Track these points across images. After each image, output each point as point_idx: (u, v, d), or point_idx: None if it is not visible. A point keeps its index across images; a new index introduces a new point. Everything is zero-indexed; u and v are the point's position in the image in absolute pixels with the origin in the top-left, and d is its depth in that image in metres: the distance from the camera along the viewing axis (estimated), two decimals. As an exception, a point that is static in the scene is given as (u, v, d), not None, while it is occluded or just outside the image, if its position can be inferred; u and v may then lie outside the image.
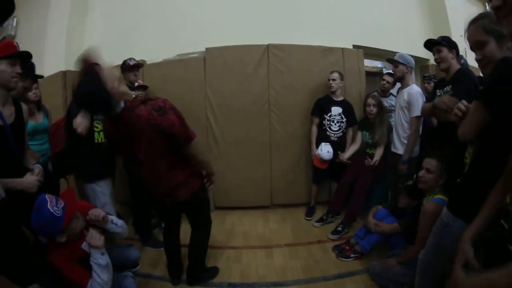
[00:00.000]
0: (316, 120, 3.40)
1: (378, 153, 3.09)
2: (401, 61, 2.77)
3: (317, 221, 3.36)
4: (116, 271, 2.04)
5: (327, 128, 3.35)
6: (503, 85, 1.12)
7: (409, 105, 2.73)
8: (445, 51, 2.20)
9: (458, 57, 2.26)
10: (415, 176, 2.82)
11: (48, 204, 1.59)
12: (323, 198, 3.74)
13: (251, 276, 2.51)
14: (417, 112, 2.66)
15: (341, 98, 3.38)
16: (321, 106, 3.36)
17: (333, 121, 3.33)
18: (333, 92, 3.33)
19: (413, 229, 2.33)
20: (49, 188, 1.88)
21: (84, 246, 1.80)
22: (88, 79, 1.72)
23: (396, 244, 2.51)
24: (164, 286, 2.40)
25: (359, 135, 3.34)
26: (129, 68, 2.79)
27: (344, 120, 3.34)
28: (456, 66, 2.22)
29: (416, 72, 4.20)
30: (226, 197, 3.64)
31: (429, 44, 2.30)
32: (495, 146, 1.22)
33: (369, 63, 4.47)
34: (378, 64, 4.76)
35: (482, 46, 1.29)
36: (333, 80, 3.27)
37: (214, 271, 2.56)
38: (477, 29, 1.29)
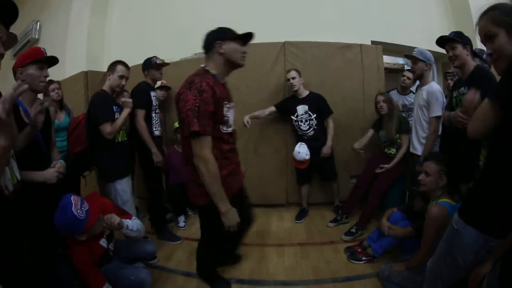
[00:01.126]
0: (272, 109, 3.35)
1: (397, 157, 2.98)
2: (420, 57, 2.61)
3: (331, 221, 3.30)
4: (133, 263, 2.18)
5: (297, 128, 3.30)
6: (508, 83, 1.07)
7: (428, 104, 2.59)
8: (459, 48, 2.08)
9: (472, 52, 2.13)
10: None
11: (73, 207, 1.64)
12: (325, 199, 3.72)
13: (260, 274, 2.52)
14: (437, 111, 2.52)
15: (305, 94, 3.28)
16: (286, 108, 3.31)
17: (301, 121, 3.26)
18: (296, 91, 3.24)
19: None
20: (69, 185, 1.98)
21: (103, 242, 1.90)
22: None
23: (409, 249, 2.42)
24: (176, 278, 2.46)
25: (330, 123, 3.27)
26: (156, 66, 2.88)
27: (313, 116, 3.23)
28: (471, 63, 2.09)
29: (438, 69, 3.99)
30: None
31: (442, 41, 2.17)
32: (507, 149, 1.15)
33: (391, 60, 4.30)
34: (400, 60, 4.56)
35: (492, 39, 1.22)
36: (293, 78, 3.17)
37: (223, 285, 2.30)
38: (487, 21, 1.23)
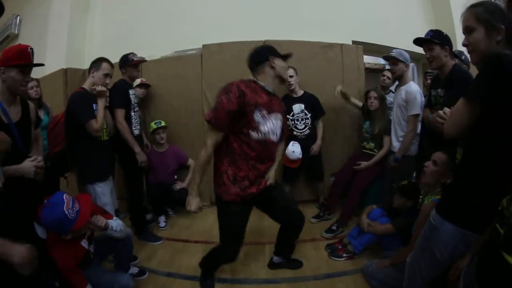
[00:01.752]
0: None
1: (377, 156, 3.02)
2: (400, 58, 2.65)
3: (313, 217, 3.33)
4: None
5: (293, 128, 3.27)
6: (490, 83, 1.11)
7: (406, 103, 2.64)
8: (437, 49, 2.07)
9: (452, 53, 2.14)
10: (414, 174, 2.79)
11: (65, 205, 1.62)
12: (307, 197, 3.74)
13: (242, 273, 2.51)
14: (415, 110, 2.58)
15: (301, 93, 3.28)
16: None
17: (297, 120, 3.25)
18: (292, 90, 3.25)
19: (407, 230, 2.30)
20: (49, 186, 1.96)
21: (84, 243, 1.86)
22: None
23: (389, 246, 2.46)
24: (158, 279, 2.43)
25: (320, 123, 3.31)
26: (133, 64, 2.79)
27: (309, 115, 3.24)
28: (450, 63, 2.10)
29: (419, 69, 4.08)
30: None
31: (419, 42, 2.17)
32: (483, 146, 1.19)
33: (372, 60, 4.37)
34: (381, 61, 4.62)
35: (470, 32, 1.28)
36: (290, 77, 3.13)
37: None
38: (470, 14, 1.27)
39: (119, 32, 3.87)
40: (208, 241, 2.95)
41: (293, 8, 3.68)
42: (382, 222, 2.48)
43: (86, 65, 3.85)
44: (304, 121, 3.25)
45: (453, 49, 2.30)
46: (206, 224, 3.31)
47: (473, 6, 1.29)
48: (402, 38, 3.68)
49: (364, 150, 3.16)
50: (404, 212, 2.42)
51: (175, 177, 3.46)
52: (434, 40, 2.06)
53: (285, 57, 1.97)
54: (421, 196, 2.30)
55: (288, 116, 3.23)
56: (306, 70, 3.47)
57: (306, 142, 3.25)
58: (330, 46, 3.49)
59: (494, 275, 1.06)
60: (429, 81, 3.14)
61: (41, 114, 2.84)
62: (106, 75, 2.40)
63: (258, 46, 2.02)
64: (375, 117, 3.04)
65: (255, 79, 1.92)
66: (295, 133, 3.29)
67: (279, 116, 1.95)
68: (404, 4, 4.01)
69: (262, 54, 1.93)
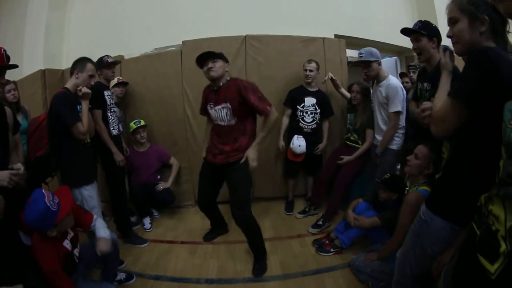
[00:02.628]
0: (288, 111, 3.32)
1: (359, 150, 3.01)
2: (372, 59, 2.57)
3: (299, 213, 3.33)
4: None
5: (300, 119, 3.27)
6: (476, 80, 1.10)
7: (387, 99, 2.57)
8: (424, 41, 2.01)
9: (439, 46, 1.99)
10: (398, 167, 2.79)
11: (46, 198, 1.62)
12: (301, 191, 3.71)
13: (229, 272, 2.49)
14: (396, 107, 2.52)
15: (315, 89, 3.28)
16: (294, 97, 3.28)
17: (306, 112, 3.24)
18: (309, 83, 3.24)
19: (394, 223, 2.30)
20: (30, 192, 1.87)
21: (66, 244, 1.82)
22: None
23: (377, 239, 2.46)
24: (145, 282, 2.38)
25: (327, 124, 3.34)
26: (107, 65, 2.74)
27: (318, 111, 3.25)
28: (437, 56, 1.99)
29: (402, 62, 4.08)
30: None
31: (406, 32, 2.11)
32: (471, 141, 1.19)
33: (355, 53, 4.34)
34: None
35: (454, 24, 1.27)
36: (310, 71, 3.17)
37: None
38: (454, 6, 1.26)
39: (97, 30, 3.75)
40: (194, 241, 2.91)
41: (275, 2, 3.62)
42: (368, 215, 2.47)
43: (64, 66, 3.78)
44: (313, 115, 3.26)
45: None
46: (191, 225, 3.26)
47: None
48: (385, 32, 3.77)
49: (347, 142, 3.16)
50: (391, 205, 2.43)
51: (158, 177, 3.39)
52: (422, 31, 2.01)
53: (198, 61, 2.37)
54: (407, 188, 2.31)
55: (298, 106, 3.25)
56: (288, 65, 3.44)
57: (311, 137, 3.26)
58: (312, 40, 3.45)
59: (470, 279, 1.06)
60: (411, 74, 3.15)
61: (20, 118, 2.73)
62: (91, 76, 2.30)
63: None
64: (357, 111, 3.03)
65: None
66: (301, 124, 3.27)
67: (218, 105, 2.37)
68: None
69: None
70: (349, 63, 3.73)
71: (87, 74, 2.26)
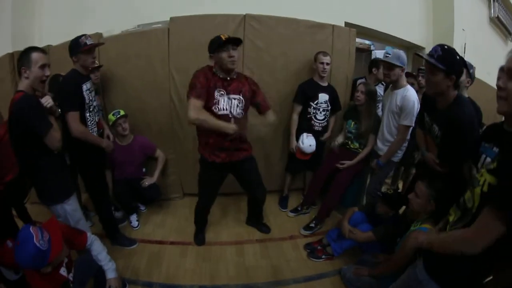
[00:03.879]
0: (299, 108, 3.06)
1: (360, 155, 2.91)
2: (397, 63, 2.36)
3: (291, 211, 3.30)
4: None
5: (313, 117, 3.05)
6: None
7: (401, 110, 2.43)
8: (439, 76, 1.67)
9: (458, 81, 1.72)
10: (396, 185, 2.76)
11: (34, 238, 1.55)
12: (296, 185, 3.64)
13: (222, 277, 2.47)
14: (408, 121, 2.40)
15: (326, 83, 3.04)
16: (306, 92, 3.00)
17: (319, 110, 3.03)
18: (322, 78, 2.97)
19: (387, 238, 2.34)
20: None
21: (63, 271, 1.80)
22: None
23: (367, 249, 2.51)
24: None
25: (333, 118, 3.20)
26: (87, 49, 2.18)
27: (330, 108, 3.06)
28: (451, 95, 1.75)
29: (409, 57, 3.80)
30: (195, 183, 3.38)
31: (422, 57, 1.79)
32: None
33: (358, 40, 3.99)
34: (366, 40, 4.25)
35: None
36: (327, 64, 2.90)
37: None
38: None
39: (73, 4, 3.10)
40: (184, 241, 2.84)
41: None
42: (363, 229, 2.47)
43: (37, 45, 3.17)
44: (324, 113, 3.07)
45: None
46: (180, 221, 3.16)
47: None
48: (398, 26, 3.46)
49: (347, 147, 3.04)
50: (386, 220, 2.44)
51: (144, 170, 3.16)
52: (439, 65, 1.65)
53: (226, 43, 2.06)
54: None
55: (311, 103, 3.03)
56: (292, 52, 3.08)
57: (320, 135, 3.12)
58: (321, 26, 3.05)
59: None
60: (420, 78, 2.93)
61: None
62: (43, 67, 1.85)
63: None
64: (361, 114, 2.87)
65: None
66: (312, 122, 3.08)
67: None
68: None
69: (208, 49, 2.17)
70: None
71: (37, 66, 1.83)
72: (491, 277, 1.35)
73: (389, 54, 2.41)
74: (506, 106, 1.08)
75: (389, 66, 2.40)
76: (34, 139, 1.82)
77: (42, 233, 1.61)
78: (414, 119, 2.39)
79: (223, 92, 2.16)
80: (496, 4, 4.46)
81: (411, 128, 2.45)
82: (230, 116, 2.19)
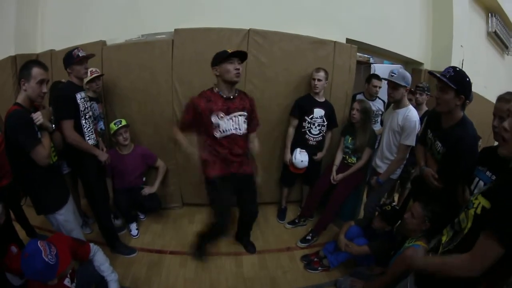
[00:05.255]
0: (295, 122, 3.10)
1: (353, 168, 2.98)
2: (402, 83, 2.41)
3: (289, 223, 3.35)
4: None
5: (307, 131, 3.09)
6: None
7: (402, 130, 2.47)
8: (450, 95, 1.79)
9: (465, 102, 1.84)
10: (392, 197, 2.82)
11: (43, 253, 1.58)
12: (294, 198, 3.68)
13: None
14: (409, 141, 2.44)
15: (323, 99, 3.07)
16: (302, 107, 3.05)
17: (314, 124, 3.06)
18: (317, 93, 3.01)
19: (381, 252, 2.43)
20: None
21: (67, 282, 1.82)
22: None
23: (362, 262, 2.59)
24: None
25: (330, 134, 3.22)
26: (78, 61, 2.25)
27: (326, 123, 3.09)
28: (458, 115, 1.87)
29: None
30: (195, 193, 3.41)
31: (435, 76, 1.89)
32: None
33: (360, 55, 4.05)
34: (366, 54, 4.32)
35: None
36: (319, 80, 2.92)
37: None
38: None
39: (76, 9, 3.09)
40: (184, 251, 2.86)
41: None
42: (359, 243, 2.55)
43: (39, 49, 3.20)
44: (320, 128, 3.09)
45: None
46: (179, 230, 3.19)
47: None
48: (398, 42, 3.51)
49: (345, 162, 3.09)
50: (382, 235, 2.53)
51: (144, 179, 3.18)
52: (451, 84, 1.77)
53: (231, 56, 2.06)
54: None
55: (306, 118, 3.05)
56: (294, 68, 3.12)
57: (314, 150, 3.15)
58: (322, 42, 3.10)
59: None
60: (417, 95, 3.00)
61: None
62: (41, 82, 1.89)
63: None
64: (359, 131, 2.93)
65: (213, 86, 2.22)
66: (306, 136, 3.10)
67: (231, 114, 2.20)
68: (406, 8, 3.61)
69: (212, 62, 2.15)
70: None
71: (35, 82, 1.87)
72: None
73: (394, 74, 2.45)
74: (508, 149, 1.12)
75: (394, 86, 2.44)
76: (25, 152, 1.85)
77: (50, 248, 1.64)
78: (415, 139, 2.43)
79: (222, 115, 2.15)
80: (494, 19, 4.57)
81: (410, 147, 2.51)
82: (239, 133, 2.22)
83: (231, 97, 2.18)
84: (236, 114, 2.19)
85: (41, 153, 1.85)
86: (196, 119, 2.14)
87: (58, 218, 2.09)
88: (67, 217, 2.14)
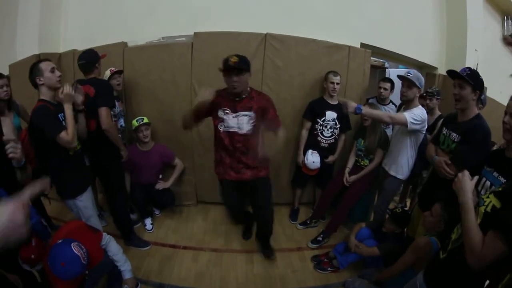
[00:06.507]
0: (308, 124, 3.17)
1: (365, 169, 3.00)
2: (417, 83, 2.45)
3: (300, 224, 3.39)
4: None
5: (319, 133, 3.15)
6: None
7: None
8: (468, 90, 1.92)
9: (481, 98, 1.96)
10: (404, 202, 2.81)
11: (81, 259, 1.65)
12: (306, 199, 3.73)
13: (230, 284, 2.57)
14: (408, 117, 2.43)
15: (336, 102, 3.12)
16: (315, 109, 3.12)
17: (326, 126, 3.12)
18: (332, 96, 3.08)
19: (390, 255, 2.43)
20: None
21: None
22: None
23: (371, 264, 2.61)
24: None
25: (343, 137, 3.27)
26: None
27: (338, 126, 3.14)
28: (474, 110, 1.97)
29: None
30: (210, 192, 3.49)
31: (452, 74, 2.01)
32: None
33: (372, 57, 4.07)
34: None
35: None
36: (337, 84, 3.00)
37: None
38: None
39: (98, 12, 3.25)
40: (197, 247, 2.96)
41: (300, 1, 3.20)
42: (369, 244, 2.58)
43: (61, 49, 3.36)
44: (332, 130, 3.15)
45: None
46: (193, 226, 3.29)
47: None
48: (412, 46, 3.54)
49: (358, 164, 3.13)
50: (391, 238, 2.54)
51: (160, 176, 3.29)
52: (469, 80, 1.90)
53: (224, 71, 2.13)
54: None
55: (318, 120, 3.12)
56: (309, 71, 3.19)
57: (326, 152, 3.20)
58: (337, 47, 3.17)
59: None
60: (427, 101, 3.01)
61: (11, 116, 2.51)
62: (53, 70, 2.05)
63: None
64: (369, 133, 2.97)
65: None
66: (319, 138, 3.17)
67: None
68: (420, 12, 3.64)
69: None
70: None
71: (48, 71, 2.03)
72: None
73: (410, 74, 2.49)
74: None
75: (409, 84, 2.48)
76: (48, 140, 1.99)
77: (82, 249, 1.71)
78: (412, 122, 2.43)
79: (228, 111, 2.26)
80: (510, 22, 4.50)
81: (410, 123, 2.45)
82: (241, 132, 2.29)
83: (238, 98, 2.26)
84: (241, 113, 2.27)
85: (63, 139, 1.97)
86: (208, 108, 2.24)
87: (79, 204, 2.22)
88: (86, 203, 2.26)
